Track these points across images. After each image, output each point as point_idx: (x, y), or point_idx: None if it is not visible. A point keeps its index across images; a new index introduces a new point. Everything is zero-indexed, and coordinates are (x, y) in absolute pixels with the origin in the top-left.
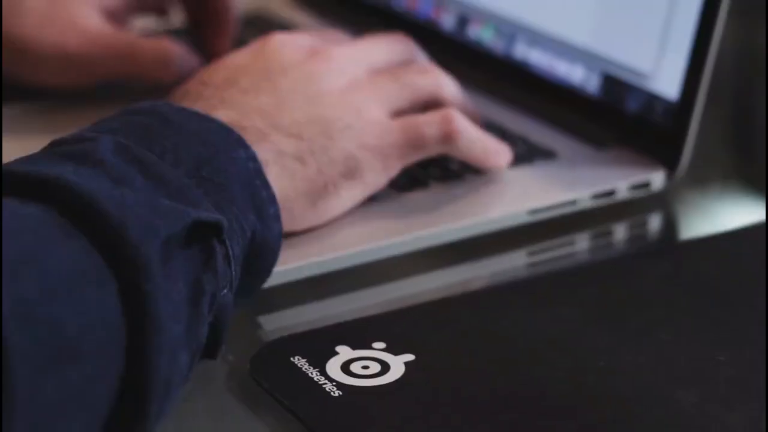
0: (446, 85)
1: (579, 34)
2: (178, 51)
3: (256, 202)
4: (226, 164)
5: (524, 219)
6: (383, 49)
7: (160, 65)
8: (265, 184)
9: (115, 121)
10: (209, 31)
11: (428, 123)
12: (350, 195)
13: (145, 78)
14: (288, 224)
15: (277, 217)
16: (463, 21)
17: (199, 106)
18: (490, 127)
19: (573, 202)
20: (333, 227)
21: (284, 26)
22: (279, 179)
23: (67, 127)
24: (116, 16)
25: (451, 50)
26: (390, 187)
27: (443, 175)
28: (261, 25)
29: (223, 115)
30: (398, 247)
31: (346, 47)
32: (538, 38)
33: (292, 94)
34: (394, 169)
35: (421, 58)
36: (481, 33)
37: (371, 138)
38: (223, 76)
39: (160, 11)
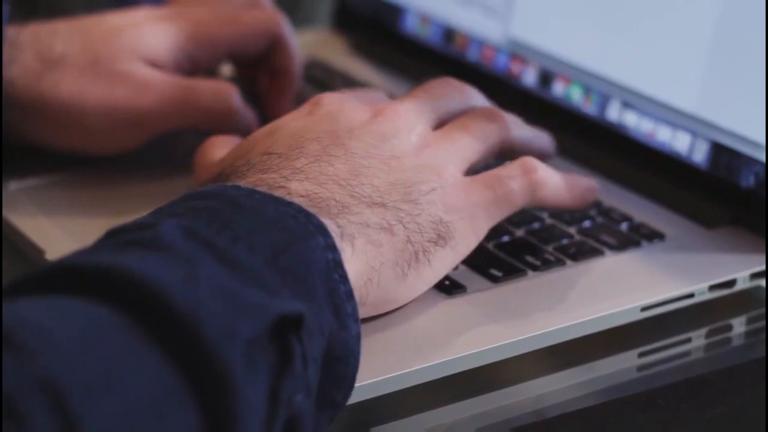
0: (515, 127)
1: (684, 97)
2: (236, 88)
3: (334, 299)
4: (305, 253)
5: (637, 316)
6: (443, 97)
7: (222, 104)
8: (344, 278)
9: (178, 206)
10: (272, 90)
11: (511, 176)
12: (442, 263)
13: (205, 121)
14: (379, 299)
15: (355, 317)
16: (546, 77)
17: (271, 177)
18: None
19: (690, 296)
20: (426, 328)
21: (343, 76)
22: (364, 252)
23: (111, 197)
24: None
25: (532, 108)
26: (485, 277)
27: (542, 262)
28: (319, 75)
29: (298, 187)
30: (499, 352)
31: (407, 102)
32: (635, 99)
33: (366, 159)
34: (482, 231)
35: (481, 100)
36: (567, 91)
37: (456, 200)
38: (287, 143)
39: (210, 71)
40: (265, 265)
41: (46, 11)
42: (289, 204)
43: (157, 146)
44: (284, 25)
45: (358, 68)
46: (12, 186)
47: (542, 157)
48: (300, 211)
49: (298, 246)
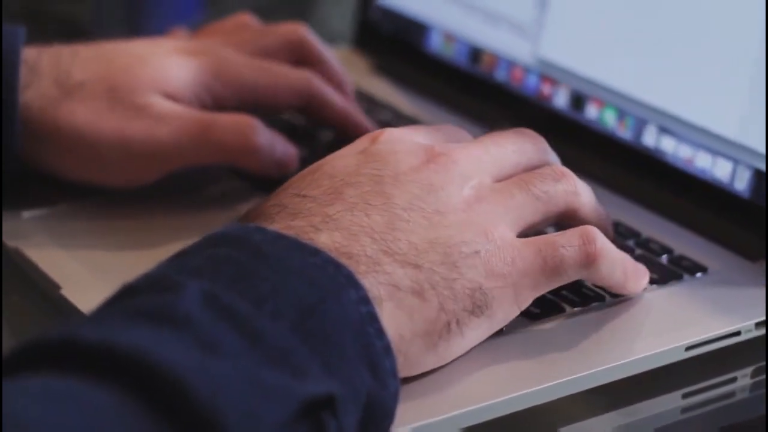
0: (584, 194)
1: (725, 123)
2: (260, 123)
3: (370, 356)
4: (334, 311)
5: (681, 356)
6: (511, 148)
7: (241, 140)
8: (380, 333)
9: (198, 257)
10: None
11: (568, 245)
12: (476, 334)
13: (224, 158)
14: (403, 369)
15: (393, 373)
16: (578, 99)
17: (299, 225)
18: (614, 226)
19: (736, 333)
20: (459, 372)
21: (365, 97)
22: (393, 318)
23: (129, 227)
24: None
25: (564, 132)
26: (523, 314)
27: (580, 298)
28: None
29: (327, 238)
30: (539, 395)
31: (469, 148)
32: (672, 124)
33: (407, 211)
34: (526, 301)
35: (554, 158)
36: (600, 115)
37: (502, 265)
38: (325, 186)
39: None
40: (291, 334)
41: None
42: (317, 253)
43: (177, 174)
44: (319, 85)
45: (380, 89)
46: (25, 215)
47: (607, 232)
48: (328, 261)
49: (328, 303)
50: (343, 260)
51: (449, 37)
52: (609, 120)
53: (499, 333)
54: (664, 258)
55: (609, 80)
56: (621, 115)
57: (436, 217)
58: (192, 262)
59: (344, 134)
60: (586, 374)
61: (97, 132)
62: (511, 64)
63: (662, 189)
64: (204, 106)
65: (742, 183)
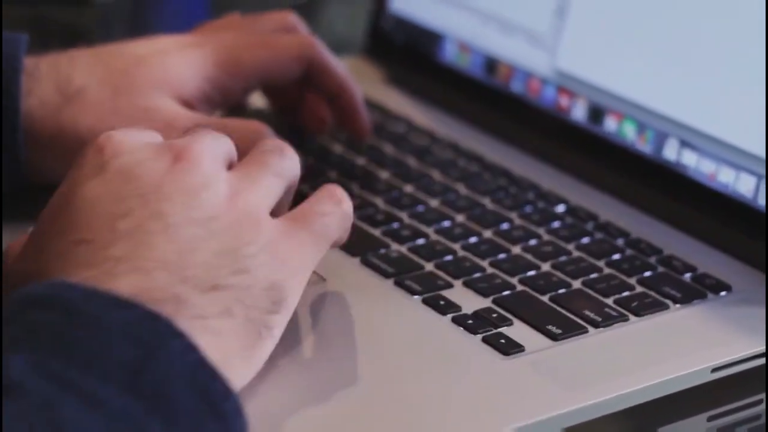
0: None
1: (749, 137)
2: (268, 130)
3: (210, 402)
4: (163, 366)
5: (707, 378)
6: (225, 131)
7: (249, 146)
8: (214, 376)
9: (14, 327)
10: (343, 120)
11: (326, 212)
12: (280, 328)
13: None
14: None
15: (237, 411)
16: (596, 112)
17: (93, 275)
18: (635, 242)
19: (763, 354)
20: (480, 396)
21: (379, 108)
22: (209, 348)
23: None
24: (193, 108)
25: (582, 145)
26: (544, 335)
27: (603, 318)
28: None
29: (126, 284)
30: (561, 420)
31: (197, 138)
32: (694, 138)
33: (186, 227)
34: (308, 277)
35: (269, 133)
36: (620, 128)
37: (283, 253)
38: (93, 224)
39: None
40: (125, 395)
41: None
42: (132, 307)
43: None
44: (319, 47)
45: (393, 100)
46: (30, 229)
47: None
48: (145, 315)
49: (154, 359)
50: (151, 306)
51: (464, 47)
52: (628, 133)
53: (521, 352)
54: (687, 276)
55: (629, 92)
56: (641, 128)
57: (212, 224)
58: (9, 332)
59: (339, 105)
60: (609, 398)
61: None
62: (527, 75)
63: (684, 204)
64: (210, 100)
65: (766, 198)
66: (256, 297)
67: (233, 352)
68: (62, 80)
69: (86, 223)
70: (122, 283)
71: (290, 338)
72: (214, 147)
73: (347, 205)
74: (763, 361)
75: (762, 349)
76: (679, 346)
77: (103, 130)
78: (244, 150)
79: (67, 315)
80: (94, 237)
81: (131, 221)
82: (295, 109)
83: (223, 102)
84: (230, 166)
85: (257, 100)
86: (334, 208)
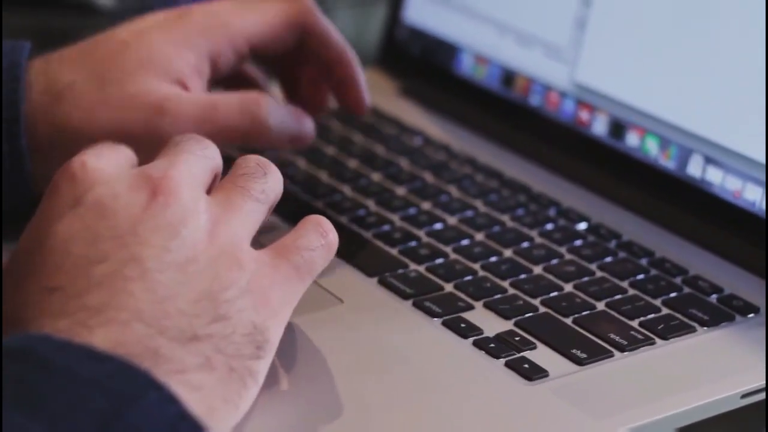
0: (279, 179)
1: None
2: (268, 99)
3: None
4: (138, 419)
5: (736, 404)
6: (200, 153)
7: (249, 119)
8: (194, 427)
9: None
10: (338, 92)
11: (312, 247)
12: (264, 372)
13: (233, 138)
14: None
15: None
16: (618, 126)
17: (67, 326)
18: (660, 262)
19: None
20: (503, 424)
21: (393, 121)
22: (197, 402)
23: None
24: (185, 85)
25: (603, 160)
26: (568, 359)
27: (629, 342)
28: (366, 120)
29: (102, 337)
30: None
31: (174, 164)
32: (719, 154)
33: (164, 272)
34: (289, 313)
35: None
36: (642, 143)
37: (266, 295)
38: (66, 269)
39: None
40: None
41: None
42: (108, 359)
43: None
44: (314, 11)
45: (408, 112)
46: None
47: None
48: (122, 366)
49: (130, 410)
50: (128, 359)
51: (480, 59)
52: (651, 149)
53: (545, 378)
54: (714, 297)
55: (651, 107)
56: (664, 143)
57: (190, 267)
58: None
59: (337, 76)
60: (637, 426)
61: (94, 128)
62: (546, 88)
63: (709, 222)
64: (201, 72)
65: None
66: (238, 344)
67: (216, 404)
68: (50, 81)
69: (60, 266)
70: (98, 337)
71: (305, 362)
72: (194, 170)
73: (333, 237)
74: None
75: None
76: (707, 371)
77: (95, 120)
78: (238, 126)
79: (38, 368)
80: (67, 283)
81: (106, 267)
82: (294, 85)
83: (216, 72)
84: (214, 180)
85: None
86: (321, 241)
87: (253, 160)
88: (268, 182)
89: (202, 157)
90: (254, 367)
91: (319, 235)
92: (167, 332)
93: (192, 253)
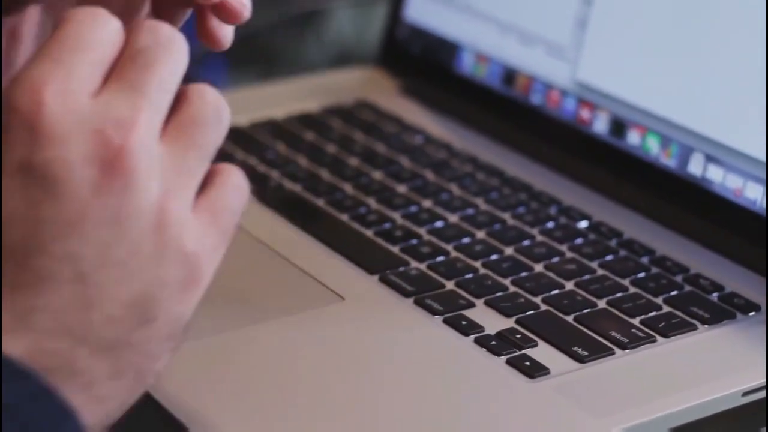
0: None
1: None
2: None
3: None
4: None
5: (737, 402)
6: (174, 66)
7: None
8: None
9: None
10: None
11: (233, 204)
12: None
13: None
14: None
15: None
16: (619, 125)
17: None
18: (661, 260)
19: None
20: (504, 421)
21: (394, 119)
22: (94, 415)
23: None
24: None
25: (604, 159)
26: (569, 356)
27: (630, 339)
28: (367, 118)
29: (21, 344)
30: None
31: (138, 125)
32: (720, 153)
33: (100, 271)
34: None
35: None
36: (643, 142)
37: (196, 279)
38: (6, 250)
39: None
40: None
41: None
42: (27, 378)
43: None
44: None
45: (409, 111)
46: None
47: None
48: (36, 392)
49: None
50: (44, 374)
51: (481, 58)
52: (652, 147)
53: (546, 375)
54: (715, 296)
55: (652, 105)
56: (665, 142)
57: (132, 262)
58: None
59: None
60: (637, 423)
61: None
62: (547, 87)
63: (710, 221)
64: None
65: None
66: (154, 349)
67: (113, 410)
68: None
69: None
70: (16, 344)
71: (307, 360)
72: (156, 123)
73: (245, 181)
74: None
75: None
76: (708, 369)
77: None
78: None
79: None
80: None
81: (41, 261)
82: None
83: None
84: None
85: None
86: (242, 203)
87: (212, 102)
88: (220, 131)
89: (167, 92)
90: (161, 364)
91: (241, 196)
92: (88, 342)
93: (136, 247)
